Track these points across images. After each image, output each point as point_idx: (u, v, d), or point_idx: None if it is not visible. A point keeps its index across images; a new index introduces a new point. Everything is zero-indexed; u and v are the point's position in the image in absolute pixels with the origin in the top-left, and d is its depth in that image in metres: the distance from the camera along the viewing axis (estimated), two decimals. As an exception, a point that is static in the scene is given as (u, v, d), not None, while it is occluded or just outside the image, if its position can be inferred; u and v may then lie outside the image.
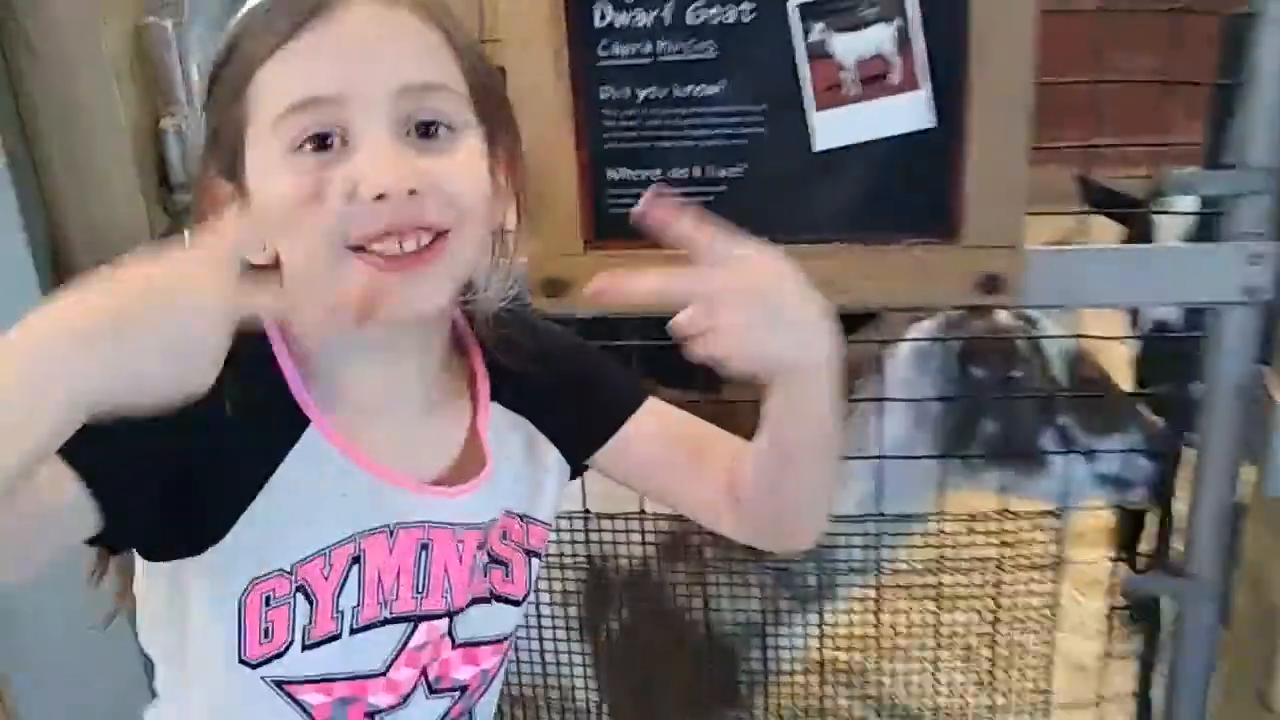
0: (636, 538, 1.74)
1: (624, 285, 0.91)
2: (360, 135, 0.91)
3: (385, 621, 1.02)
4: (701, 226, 0.91)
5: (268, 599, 0.98)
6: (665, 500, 1.20)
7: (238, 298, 0.80)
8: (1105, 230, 2.21)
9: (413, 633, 1.03)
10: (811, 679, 1.86)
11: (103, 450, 0.85)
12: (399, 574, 1.02)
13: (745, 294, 0.92)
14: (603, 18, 1.32)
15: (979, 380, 1.73)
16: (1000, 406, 1.71)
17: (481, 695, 1.12)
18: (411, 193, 0.90)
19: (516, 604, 1.11)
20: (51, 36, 1.43)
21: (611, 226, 1.40)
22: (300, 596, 0.98)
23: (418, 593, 1.03)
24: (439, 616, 1.05)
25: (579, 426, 1.15)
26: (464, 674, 1.08)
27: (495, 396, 1.10)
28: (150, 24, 1.50)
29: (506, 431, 1.11)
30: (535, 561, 1.13)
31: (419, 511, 1.03)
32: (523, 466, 1.12)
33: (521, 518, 1.11)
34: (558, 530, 1.69)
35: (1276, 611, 1.41)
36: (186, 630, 1.02)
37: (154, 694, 1.12)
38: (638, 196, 1.33)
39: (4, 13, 1.42)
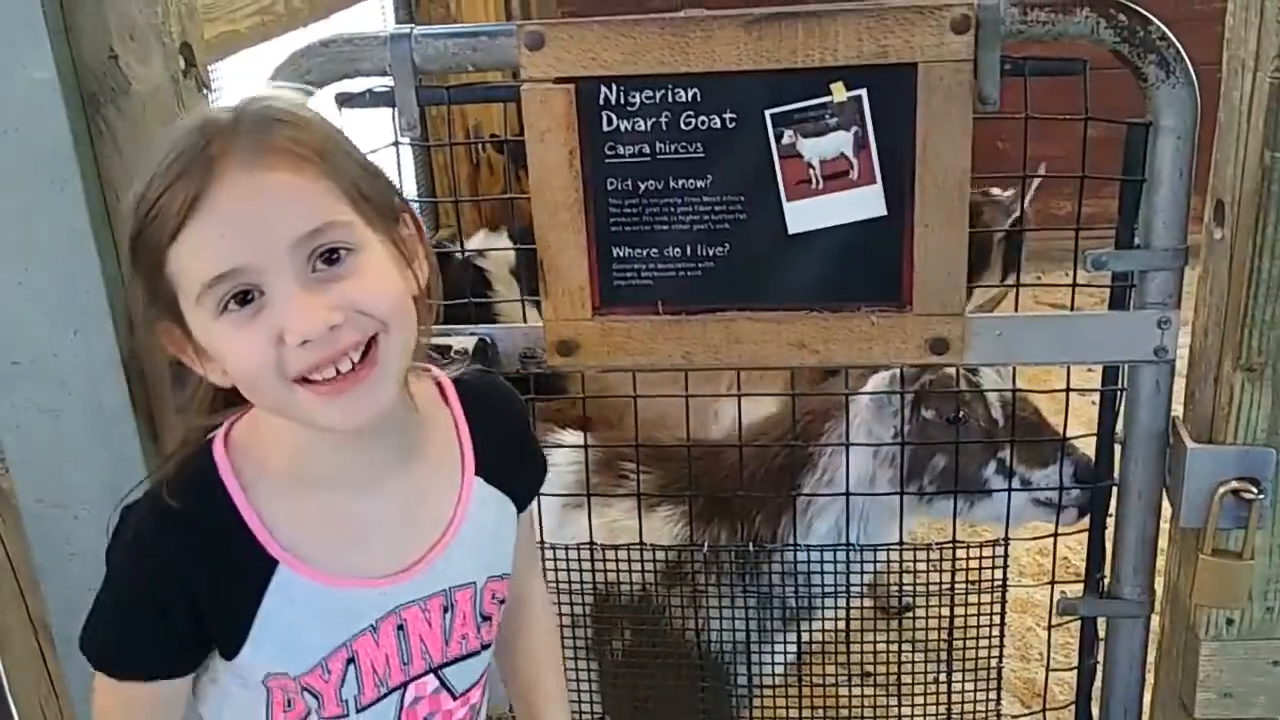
0: (638, 567, 1.87)
1: None
2: (273, 289, 1.02)
3: (383, 696, 1.18)
4: None
5: (284, 688, 1.14)
6: None
7: None
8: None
9: (405, 694, 1.20)
10: (792, 693, 1.99)
11: (138, 651, 1.11)
12: (388, 658, 1.17)
13: None
14: (609, 123, 1.51)
15: (930, 421, 1.91)
16: (951, 444, 1.86)
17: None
18: (334, 327, 1.02)
19: (490, 645, 1.27)
20: (136, 135, 1.57)
21: (616, 296, 1.59)
22: (307, 694, 1.15)
23: (404, 664, 1.19)
24: (423, 675, 1.20)
25: (524, 489, 1.30)
26: (460, 713, 1.25)
27: (479, 472, 1.22)
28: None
29: (487, 503, 1.23)
30: (503, 607, 1.27)
31: (389, 601, 1.17)
32: (499, 533, 1.26)
33: (501, 576, 1.26)
34: (567, 560, 1.85)
35: (1194, 630, 1.56)
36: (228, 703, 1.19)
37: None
38: (639, 272, 1.56)
39: (92, 111, 1.57)
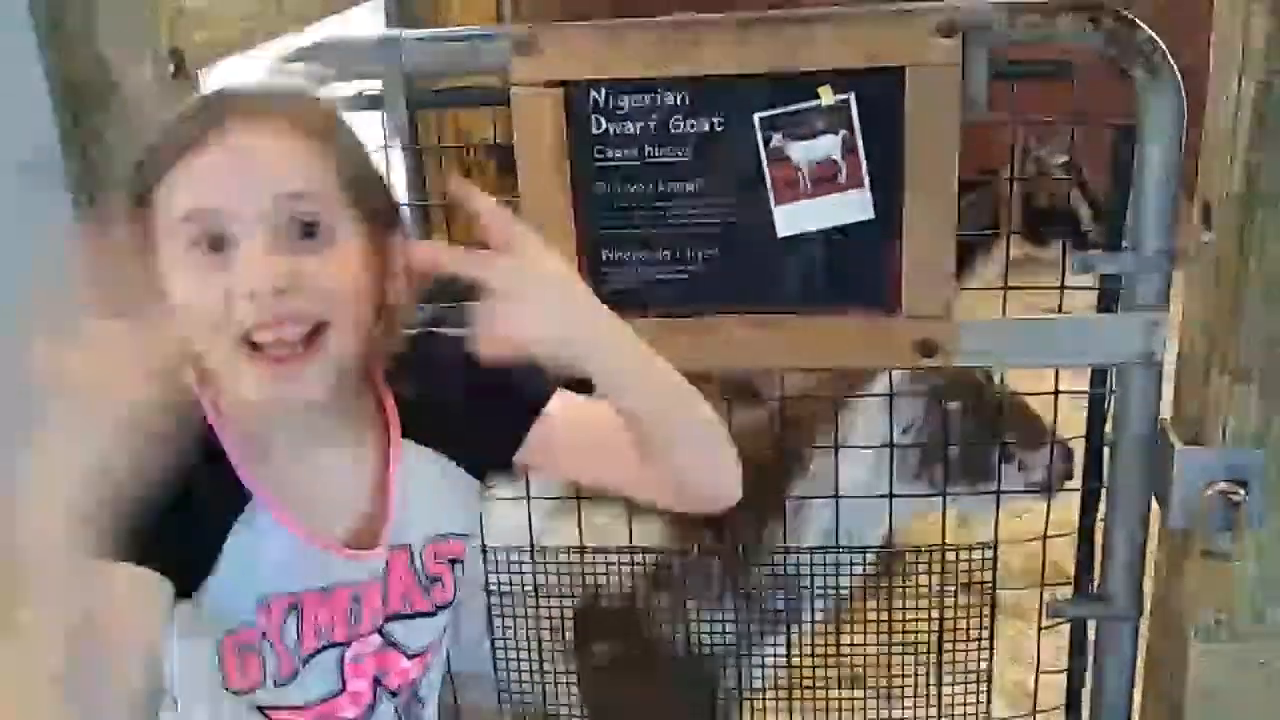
0: (626, 569, 1.87)
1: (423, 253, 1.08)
2: (240, 241, 1.03)
3: (325, 647, 1.18)
4: (499, 215, 1.04)
5: (239, 648, 1.14)
6: (604, 485, 1.32)
7: None
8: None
9: (346, 650, 1.19)
10: (780, 695, 1.99)
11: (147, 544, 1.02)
12: (333, 617, 1.17)
13: (539, 281, 1.05)
14: (599, 126, 1.52)
15: (952, 412, 1.93)
16: (964, 432, 1.92)
17: (424, 677, 1.28)
18: (280, 291, 1.02)
19: (448, 606, 1.26)
20: (125, 138, 1.57)
21: (607, 299, 1.57)
22: (265, 643, 1.14)
23: (352, 624, 1.19)
24: (367, 634, 1.20)
25: (495, 433, 1.25)
26: (415, 672, 1.25)
27: (406, 433, 1.21)
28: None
29: (419, 465, 1.22)
30: (459, 566, 1.26)
31: (349, 573, 1.17)
32: (438, 494, 1.24)
33: (445, 536, 1.25)
34: (557, 563, 1.85)
35: (1183, 632, 1.57)
36: (192, 664, 1.17)
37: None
38: (629, 274, 1.56)
39: (81, 114, 1.59)
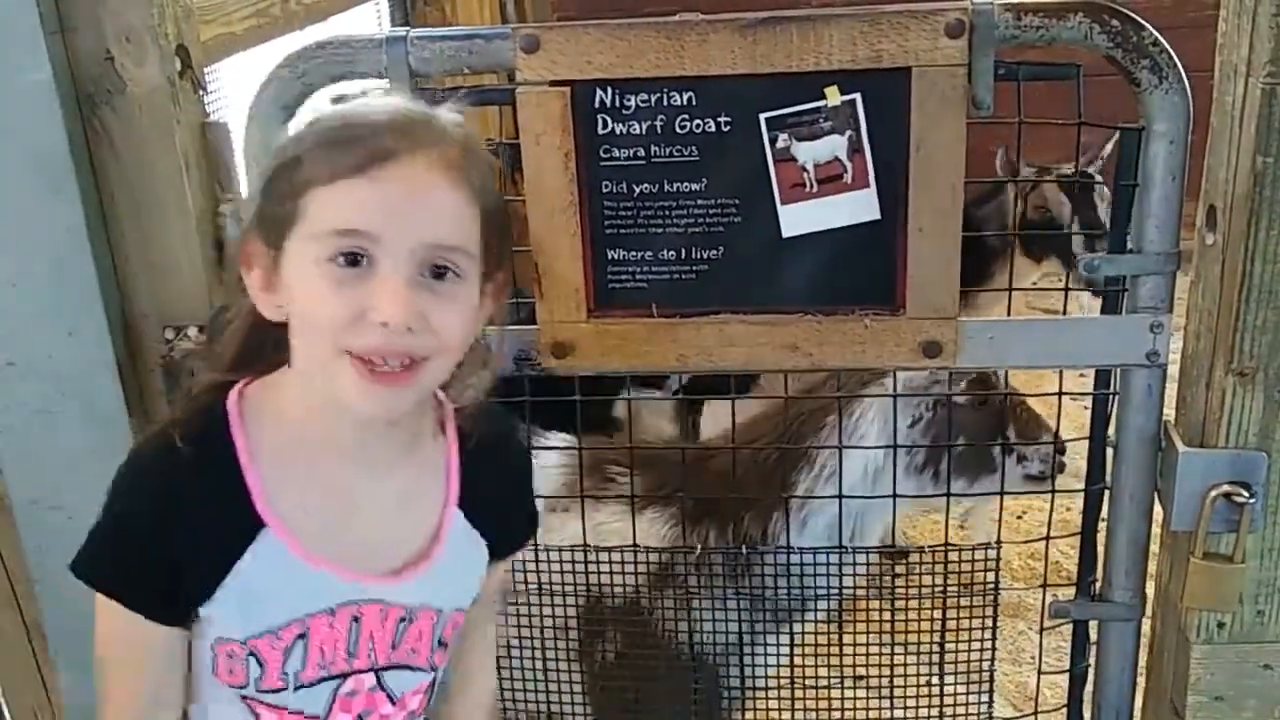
0: (630, 568, 1.87)
1: None
2: (382, 268, 1.10)
3: (322, 680, 1.22)
4: None
5: (230, 654, 1.19)
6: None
7: None
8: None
9: (342, 684, 1.23)
10: (783, 694, 1.99)
11: (117, 573, 1.15)
12: (336, 644, 1.21)
13: None
14: (605, 126, 1.52)
15: (960, 405, 1.96)
16: (971, 426, 1.95)
17: None
18: (408, 330, 1.10)
19: (438, 669, 1.32)
20: (131, 136, 1.60)
21: (610, 298, 1.59)
22: (252, 660, 1.19)
23: (349, 655, 1.22)
24: (364, 671, 1.24)
25: (505, 540, 1.35)
26: (398, 718, 1.29)
27: (461, 504, 1.28)
28: (213, 123, 1.68)
29: (463, 541, 1.29)
30: (458, 634, 1.33)
31: (356, 594, 1.21)
32: (469, 569, 1.31)
33: (464, 610, 1.31)
34: (560, 562, 1.86)
35: (1185, 634, 1.57)
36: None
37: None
38: (634, 274, 1.57)
39: (88, 112, 1.59)
